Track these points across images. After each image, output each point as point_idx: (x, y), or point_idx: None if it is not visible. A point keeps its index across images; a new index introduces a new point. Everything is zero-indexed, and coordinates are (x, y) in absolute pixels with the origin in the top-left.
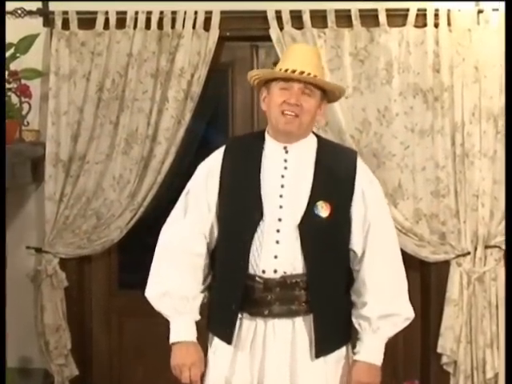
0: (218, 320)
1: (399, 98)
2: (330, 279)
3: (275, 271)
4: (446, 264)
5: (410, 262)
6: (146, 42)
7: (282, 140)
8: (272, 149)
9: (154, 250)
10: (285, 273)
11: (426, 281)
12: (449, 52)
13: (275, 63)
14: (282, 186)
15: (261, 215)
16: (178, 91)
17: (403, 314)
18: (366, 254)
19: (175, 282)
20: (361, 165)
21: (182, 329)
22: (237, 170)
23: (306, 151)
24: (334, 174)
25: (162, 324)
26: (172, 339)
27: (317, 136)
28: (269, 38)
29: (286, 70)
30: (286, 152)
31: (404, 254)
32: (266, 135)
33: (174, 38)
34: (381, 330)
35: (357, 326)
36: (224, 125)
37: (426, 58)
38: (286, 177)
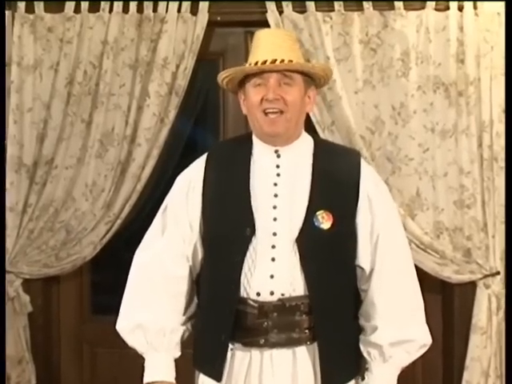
0: (204, 353)
1: (417, 92)
2: (335, 301)
3: (272, 293)
4: (471, 285)
5: (430, 283)
6: (123, 27)
7: (272, 142)
8: (262, 154)
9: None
10: (283, 295)
11: (449, 305)
12: (475, 39)
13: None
14: (276, 196)
15: (252, 230)
16: (161, 85)
17: (418, 340)
18: (374, 270)
19: (150, 313)
20: (365, 167)
21: (158, 367)
22: (222, 180)
23: (301, 154)
24: (335, 178)
25: (141, 356)
26: (146, 379)
27: (312, 136)
28: (266, 24)
29: (256, 63)
30: (278, 156)
31: (423, 273)
32: (254, 138)
33: (156, 24)
34: (393, 359)
35: (365, 354)
36: (214, 124)
37: (449, 47)
38: (280, 185)
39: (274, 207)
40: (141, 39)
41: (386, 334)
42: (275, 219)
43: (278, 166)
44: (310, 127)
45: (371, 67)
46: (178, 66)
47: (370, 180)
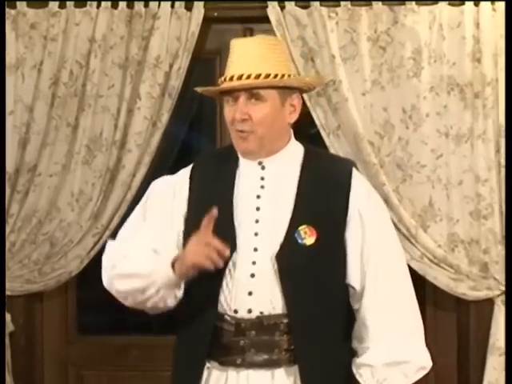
0: (181, 371)
1: (430, 94)
2: (319, 321)
3: (250, 311)
4: (488, 303)
5: (444, 301)
6: (112, 24)
7: (252, 158)
8: (247, 166)
9: None
10: (261, 313)
11: (464, 324)
12: (492, 37)
13: None
14: (258, 209)
15: (233, 245)
16: (153, 86)
17: (416, 361)
18: (366, 289)
19: (139, 262)
20: (357, 177)
21: (167, 259)
22: (205, 192)
23: (287, 165)
24: (322, 190)
25: (130, 377)
26: (168, 271)
27: (304, 145)
28: (266, 20)
29: (225, 79)
30: (263, 168)
31: (436, 290)
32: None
33: (148, 20)
34: (388, 382)
35: (358, 377)
36: (211, 128)
37: (464, 45)
38: (263, 197)
39: (256, 221)
40: (131, 36)
41: (380, 353)
42: (256, 234)
43: (262, 178)
44: (313, 132)
45: (380, 67)
46: (171, 66)
47: (361, 191)
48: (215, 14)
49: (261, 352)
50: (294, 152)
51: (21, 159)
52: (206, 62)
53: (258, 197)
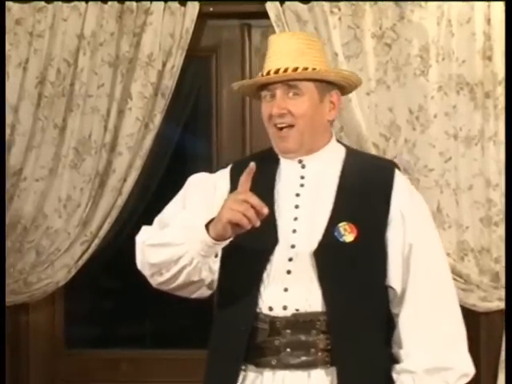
0: (216, 375)
1: (438, 94)
2: (357, 322)
3: (285, 308)
4: (500, 314)
5: None
6: (101, 19)
7: (291, 156)
8: (287, 165)
9: (112, 295)
10: (297, 310)
11: (474, 337)
12: (504, 33)
13: None
14: (297, 207)
15: (275, 241)
16: (145, 85)
17: (458, 368)
18: (407, 292)
19: (173, 231)
20: (399, 178)
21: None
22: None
23: (327, 164)
24: (364, 190)
25: None
26: (202, 232)
27: (345, 146)
28: (265, 15)
29: (263, 75)
30: (303, 167)
31: None
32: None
33: (140, 15)
34: None
35: (398, 383)
36: (206, 129)
37: (474, 42)
38: (302, 195)
39: (295, 219)
40: (122, 33)
41: (421, 359)
42: (294, 231)
43: (302, 177)
44: None
45: (385, 65)
46: (164, 64)
47: (403, 192)
48: (211, 9)
49: (296, 352)
50: (335, 151)
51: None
52: (201, 59)
53: (298, 195)
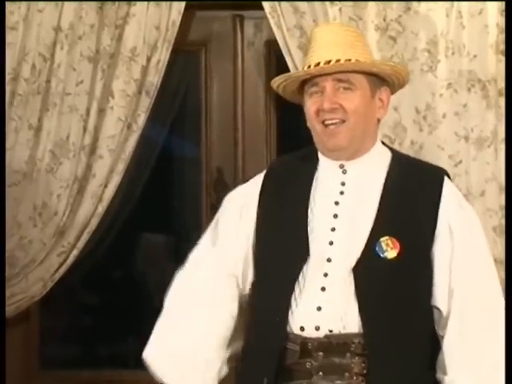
0: None
1: (447, 91)
2: (398, 345)
3: (317, 328)
4: None
5: None
6: (80, 10)
7: (336, 157)
8: (326, 170)
9: (92, 311)
10: (330, 331)
11: None
12: None
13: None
14: (336, 216)
15: (306, 253)
16: (128, 82)
17: None
18: (452, 313)
19: (186, 338)
20: (449, 187)
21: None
22: (279, 197)
23: (371, 170)
24: (409, 200)
25: None
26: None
27: (391, 150)
28: (259, 6)
29: (310, 67)
30: (344, 172)
31: None
32: (319, 152)
33: (122, 6)
34: None
35: None
36: (195, 130)
37: (487, 35)
38: (342, 204)
39: (333, 229)
40: (103, 25)
41: None
42: (331, 243)
43: (343, 184)
44: None
45: (390, 60)
46: (149, 59)
47: (452, 203)
48: None
49: (330, 376)
50: (380, 156)
51: None
52: (189, 54)
53: (337, 203)
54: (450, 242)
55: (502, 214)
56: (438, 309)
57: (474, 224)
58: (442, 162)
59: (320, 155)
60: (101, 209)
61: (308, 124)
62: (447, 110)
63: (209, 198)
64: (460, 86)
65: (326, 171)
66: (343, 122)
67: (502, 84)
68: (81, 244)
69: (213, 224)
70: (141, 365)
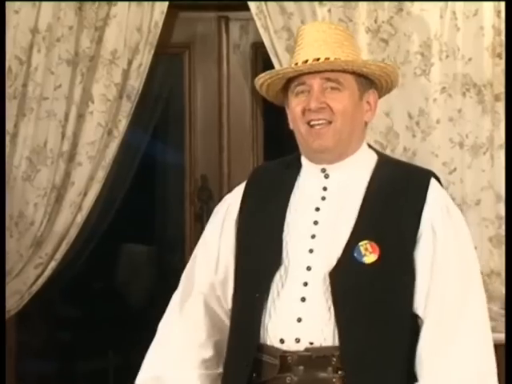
0: None
1: (441, 96)
2: (378, 357)
3: (298, 340)
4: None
5: None
6: (59, 11)
7: (319, 160)
8: (308, 175)
9: (70, 325)
10: (311, 343)
11: None
12: None
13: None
14: (316, 223)
15: (279, 261)
16: (109, 86)
17: None
18: (427, 319)
19: (172, 365)
20: (435, 189)
21: None
22: (259, 204)
23: (354, 174)
24: (392, 203)
25: None
26: None
27: (378, 153)
28: (245, 7)
29: (297, 64)
30: (326, 177)
31: None
32: (302, 158)
33: (102, 7)
34: None
35: None
36: (178, 136)
37: (482, 37)
38: (323, 210)
39: (313, 236)
40: (82, 27)
41: None
42: (311, 251)
43: (325, 189)
44: None
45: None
46: (130, 62)
47: (437, 205)
48: None
49: None
50: (365, 160)
51: None
52: (172, 57)
53: (318, 209)
54: (432, 244)
55: (498, 223)
56: (420, 317)
57: (460, 228)
58: (436, 169)
59: (303, 160)
60: (80, 218)
61: (291, 125)
62: (441, 115)
63: (193, 207)
64: (454, 91)
65: (309, 177)
66: (330, 123)
67: (498, 88)
68: (59, 255)
69: (201, 238)
70: (121, 380)
